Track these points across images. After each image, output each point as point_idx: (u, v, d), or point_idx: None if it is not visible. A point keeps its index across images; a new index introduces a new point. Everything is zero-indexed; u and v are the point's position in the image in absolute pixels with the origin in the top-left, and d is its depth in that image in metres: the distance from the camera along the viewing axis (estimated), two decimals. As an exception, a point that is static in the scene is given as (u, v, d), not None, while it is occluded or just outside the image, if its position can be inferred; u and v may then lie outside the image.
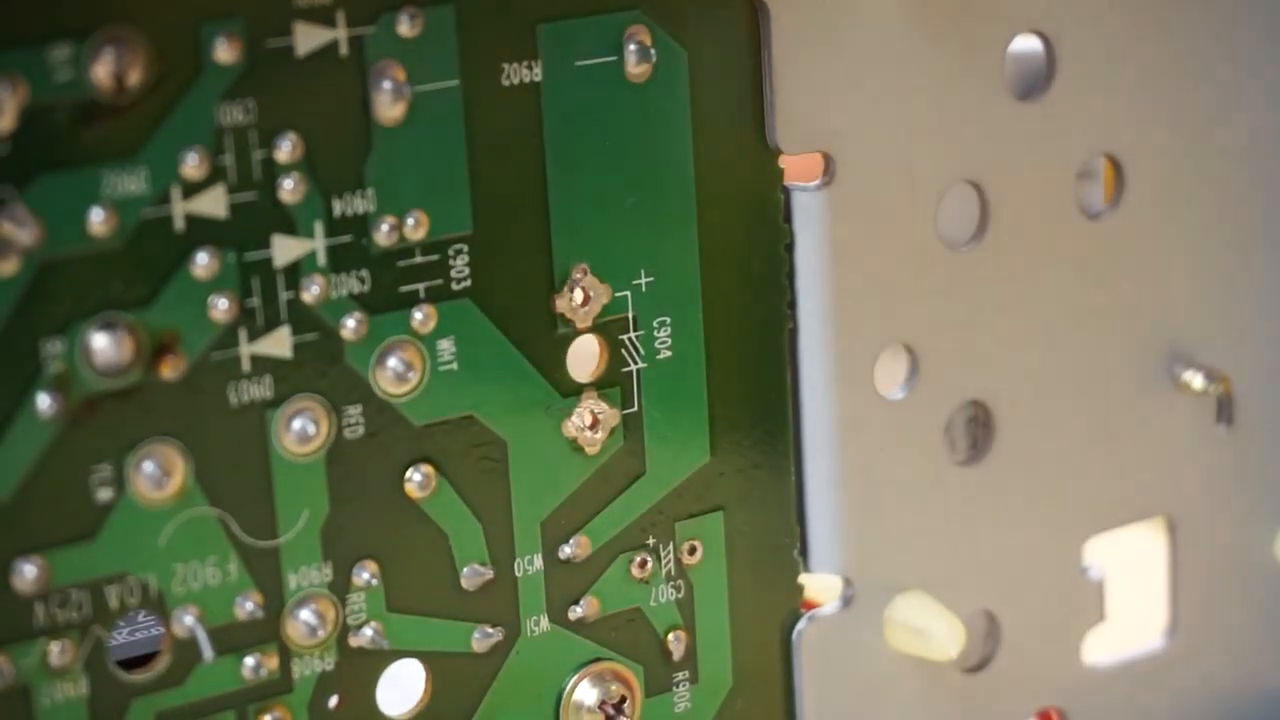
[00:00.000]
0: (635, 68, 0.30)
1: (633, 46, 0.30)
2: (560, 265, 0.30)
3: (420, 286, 0.29)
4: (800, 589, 0.33)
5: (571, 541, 0.31)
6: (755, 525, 0.32)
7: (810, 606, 0.33)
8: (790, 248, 0.32)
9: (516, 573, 0.30)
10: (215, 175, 0.27)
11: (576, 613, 0.31)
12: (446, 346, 0.29)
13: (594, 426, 0.30)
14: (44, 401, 0.27)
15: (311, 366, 0.28)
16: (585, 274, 0.30)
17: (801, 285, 0.32)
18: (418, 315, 0.29)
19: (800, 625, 0.33)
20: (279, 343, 0.28)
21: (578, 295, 0.30)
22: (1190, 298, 0.35)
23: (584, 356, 0.30)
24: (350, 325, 0.28)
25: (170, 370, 0.27)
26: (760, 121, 0.31)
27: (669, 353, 0.31)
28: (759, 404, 0.32)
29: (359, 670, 0.29)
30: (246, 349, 0.28)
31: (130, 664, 0.28)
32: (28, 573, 0.27)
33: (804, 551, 0.33)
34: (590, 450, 0.30)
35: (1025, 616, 0.35)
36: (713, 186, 0.31)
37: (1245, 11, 0.35)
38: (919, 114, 0.32)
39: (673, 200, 0.30)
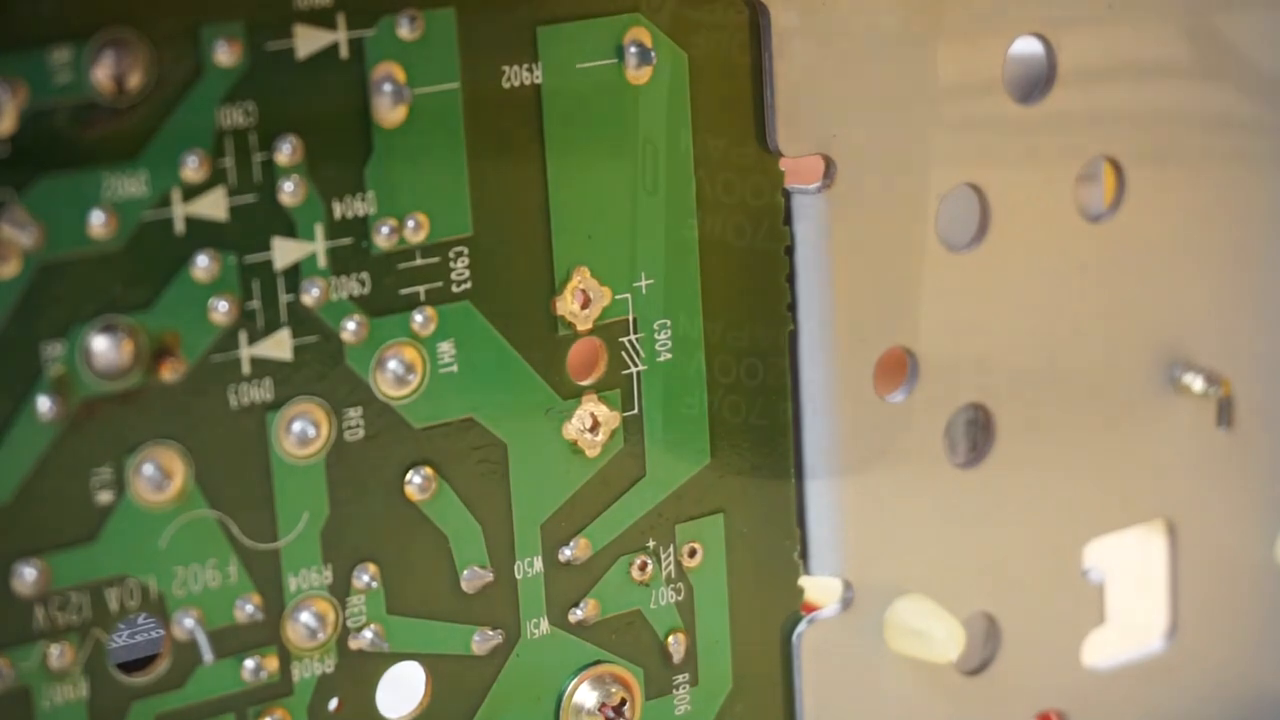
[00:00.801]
0: (635, 70, 0.30)
1: (633, 49, 0.30)
2: (560, 268, 0.30)
3: (420, 289, 0.29)
4: (800, 591, 0.33)
5: (572, 544, 0.31)
6: (755, 528, 0.32)
7: (810, 609, 0.33)
8: (790, 250, 0.32)
9: (516, 575, 0.30)
10: (215, 178, 0.27)
11: (577, 615, 0.31)
12: (447, 349, 0.29)
13: (594, 429, 0.30)
14: (44, 404, 0.27)
15: (312, 369, 0.28)
16: (585, 276, 0.30)
17: (801, 287, 0.32)
18: (418, 318, 0.29)
19: (800, 628, 0.33)
20: (279, 345, 0.28)
21: (578, 298, 0.30)
22: (1190, 300, 0.35)
23: (584, 359, 0.30)
24: (350, 328, 0.28)
25: (170, 373, 0.27)
26: (760, 124, 0.31)
27: (669, 355, 0.31)
28: (759, 406, 0.32)
29: (359, 673, 0.29)
30: (247, 351, 0.28)
31: (130, 667, 0.28)
32: (28, 575, 0.27)
33: (804, 554, 0.33)
34: (590, 453, 0.30)
35: (1025, 619, 0.35)
36: (713, 189, 0.31)
37: (1245, 12, 0.35)
38: (919, 116, 0.32)
39: (673, 203, 0.30)
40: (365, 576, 0.29)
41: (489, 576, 0.30)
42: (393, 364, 0.29)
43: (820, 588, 0.33)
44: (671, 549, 0.31)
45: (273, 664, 0.29)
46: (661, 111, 0.30)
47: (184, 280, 0.27)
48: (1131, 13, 0.34)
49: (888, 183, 0.32)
